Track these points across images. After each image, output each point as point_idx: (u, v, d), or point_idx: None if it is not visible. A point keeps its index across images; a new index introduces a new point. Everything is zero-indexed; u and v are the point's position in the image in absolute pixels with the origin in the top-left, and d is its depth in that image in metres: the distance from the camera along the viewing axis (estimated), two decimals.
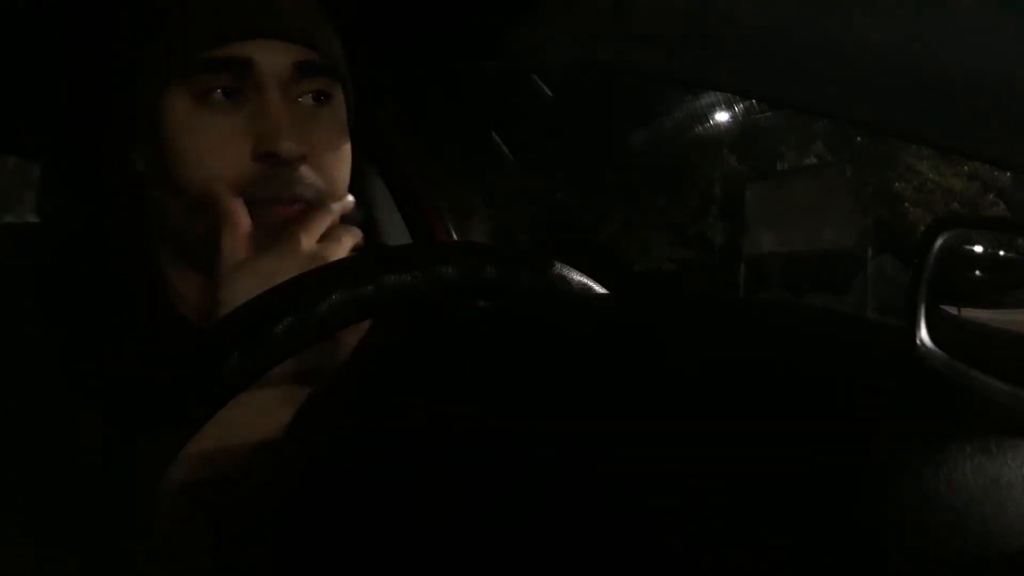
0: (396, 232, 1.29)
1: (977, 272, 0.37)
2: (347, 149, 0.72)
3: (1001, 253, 0.38)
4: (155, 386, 0.45)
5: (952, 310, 0.36)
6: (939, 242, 0.35)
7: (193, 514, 0.50)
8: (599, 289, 0.57)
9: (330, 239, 0.66)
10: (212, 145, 0.65)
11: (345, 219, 0.70)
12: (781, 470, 0.29)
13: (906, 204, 8.58)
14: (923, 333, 0.34)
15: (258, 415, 0.54)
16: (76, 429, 0.53)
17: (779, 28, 0.71)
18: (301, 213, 0.67)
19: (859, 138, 8.42)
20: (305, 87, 0.68)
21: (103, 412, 0.49)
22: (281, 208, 0.66)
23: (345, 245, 0.66)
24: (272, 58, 0.66)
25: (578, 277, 0.55)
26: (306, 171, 0.67)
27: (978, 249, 0.37)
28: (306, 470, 0.37)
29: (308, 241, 0.64)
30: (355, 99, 0.75)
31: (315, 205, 0.67)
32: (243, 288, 0.61)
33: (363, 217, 1.24)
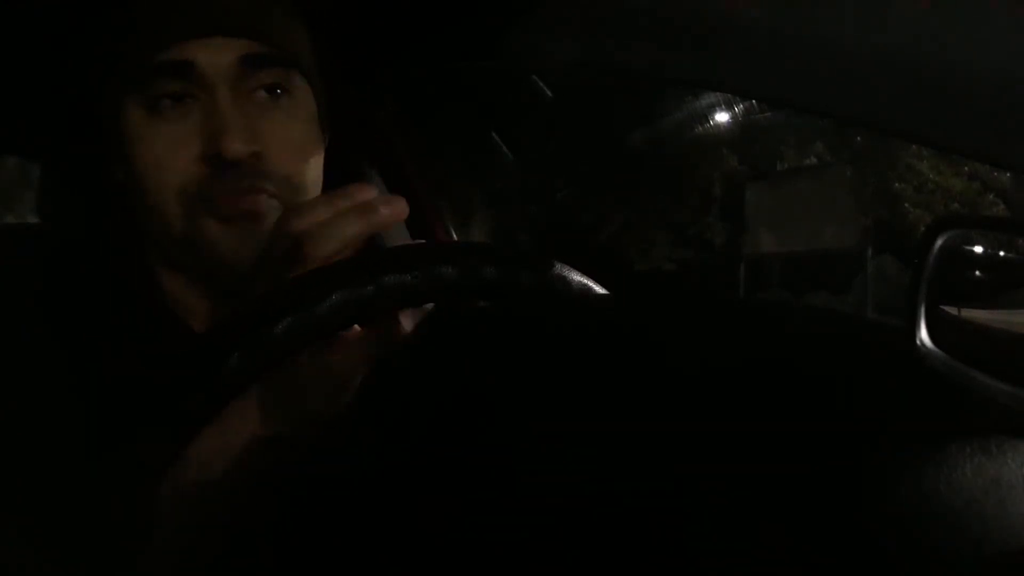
0: (396, 232, 1.28)
1: (977, 272, 0.37)
2: (312, 140, 0.70)
3: (1001, 253, 0.38)
4: (156, 386, 0.45)
5: (952, 310, 0.36)
6: (939, 242, 0.35)
7: (194, 515, 0.50)
8: (599, 289, 0.57)
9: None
10: (163, 152, 0.65)
11: None
12: (781, 470, 0.29)
13: (906, 204, 8.58)
14: (923, 333, 0.34)
15: (259, 416, 0.54)
16: (77, 429, 0.53)
17: (779, 28, 0.71)
18: (258, 202, 0.65)
19: (859, 138, 8.42)
20: (257, 81, 0.66)
21: (104, 412, 0.49)
22: (238, 198, 0.65)
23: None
24: (214, 56, 0.64)
25: (578, 277, 0.55)
26: (260, 167, 0.65)
27: (978, 249, 0.37)
28: (306, 472, 0.37)
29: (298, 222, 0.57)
30: (323, 87, 0.72)
31: (278, 197, 0.66)
32: None
33: None
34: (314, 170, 0.70)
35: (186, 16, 0.64)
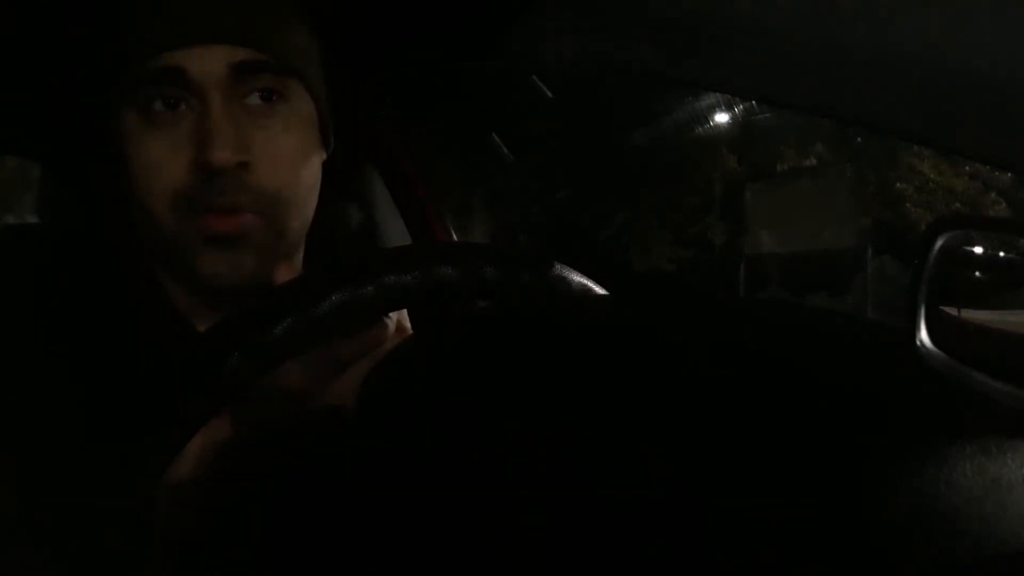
0: (396, 232, 1.29)
1: (977, 273, 0.37)
2: (309, 149, 0.70)
3: (1001, 254, 0.38)
4: (156, 386, 0.45)
5: (952, 310, 0.36)
6: (939, 243, 0.35)
7: (193, 513, 0.50)
8: (599, 289, 0.57)
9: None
10: (156, 158, 0.65)
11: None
12: (781, 470, 0.29)
13: (907, 204, 8.57)
14: (923, 333, 0.34)
15: (258, 415, 0.54)
16: (77, 429, 0.53)
17: (780, 28, 0.71)
18: (240, 223, 0.65)
19: (859, 138, 8.41)
20: (249, 87, 0.66)
21: (104, 412, 0.49)
22: (220, 218, 0.65)
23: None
24: (205, 63, 0.64)
25: (578, 278, 0.55)
26: (247, 178, 0.65)
27: (978, 250, 0.37)
28: (306, 471, 0.37)
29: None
30: (326, 94, 0.72)
31: (263, 213, 0.66)
32: None
33: (363, 218, 1.25)
34: (306, 182, 0.70)
35: (177, 24, 0.64)
